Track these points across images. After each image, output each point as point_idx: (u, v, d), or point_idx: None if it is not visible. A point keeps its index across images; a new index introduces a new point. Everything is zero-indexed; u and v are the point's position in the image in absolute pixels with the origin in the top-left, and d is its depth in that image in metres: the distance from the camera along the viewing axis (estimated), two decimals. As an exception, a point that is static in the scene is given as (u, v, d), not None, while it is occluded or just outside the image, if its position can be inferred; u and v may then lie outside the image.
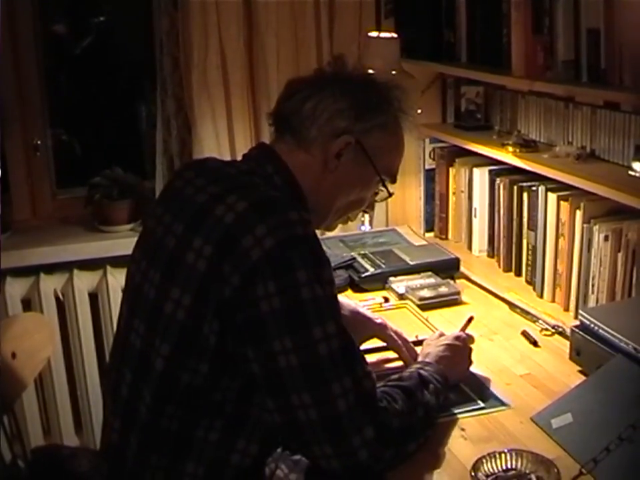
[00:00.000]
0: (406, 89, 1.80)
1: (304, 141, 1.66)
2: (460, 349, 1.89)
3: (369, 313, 2.03)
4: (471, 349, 1.93)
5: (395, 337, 1.99)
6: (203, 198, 1.55)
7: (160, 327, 1.53)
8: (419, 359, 1.84)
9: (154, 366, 1.53)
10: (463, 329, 2.02)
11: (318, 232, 1.61)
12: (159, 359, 1.52)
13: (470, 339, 1.99)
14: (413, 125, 1.79)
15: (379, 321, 2.00)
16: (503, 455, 1.54)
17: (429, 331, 2.17)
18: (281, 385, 1.44)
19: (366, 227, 2.97)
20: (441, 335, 1.97)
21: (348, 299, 2.04)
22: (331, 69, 1.75)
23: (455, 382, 1.82)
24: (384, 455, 1.49)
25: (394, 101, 1.72)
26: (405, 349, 1.98)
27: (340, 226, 2.95)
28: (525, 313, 2.28)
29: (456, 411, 1.77)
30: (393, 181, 1.82)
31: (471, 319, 2.07)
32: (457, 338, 1.92)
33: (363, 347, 1.98)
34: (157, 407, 1.53)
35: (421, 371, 1.70)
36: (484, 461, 1.53)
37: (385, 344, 2.01)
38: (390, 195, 1.82)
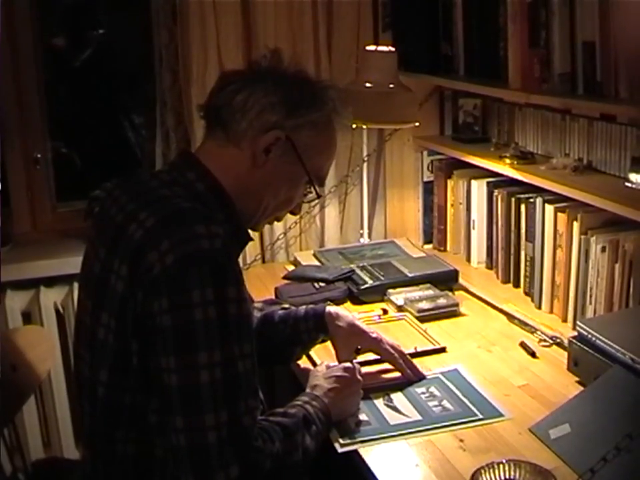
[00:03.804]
0: (341, 90, 1.75)
1: (234, 134, 1.62)
2: (349, 381, 1.82)
3: (364, 327, 2.01)
4: (360, 381, 1.84)
5: (391, 350, 1.98)
6: (120, 217, 1.53)
7: (97, 353, 1.53)
8: (307, 390, 1.78)
9: (97, 394, 1.54)
10: (351, 360, 1.92)
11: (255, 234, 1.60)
12: (100, 387, 1.53)
13: (358, 369, 1.88)
14: (346, 127, 1.74)
15: (374, 335, 1.98)
16: (501, 466, 1.55)
17: (428, 343, 2.18)
18: (164, 403, 1.43)
19: (365, 239, 2.98)
20: (328, 366, 1.88)
21: (346, 311, 2.05)
22: (266, 63, 1.70)
23: (339, 418, 1.76)
24: None
25: (329, 100, 1.67)
26: (402, 361, 1.99)
27: (338, 238, 3.00)
28: (523, 324, 2.29)
29: (454, 422, 1.78)
30: (321, 184, 1.76)
31: (358, 350, 1.98)
32: (346, 370, 1.84)
33: (361, 358, 2.00)
34: (109, 434, 1.53)
35: (307, 407, 1.66)
36: (482, 471, 1.53)
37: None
38: (319, 196, 1.77)
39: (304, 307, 2.04)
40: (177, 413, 1.40)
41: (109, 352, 1.49)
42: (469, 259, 2.84)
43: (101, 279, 1.52)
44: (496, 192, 2.62)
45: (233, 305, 1.43)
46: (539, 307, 2.42)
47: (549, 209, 2.32)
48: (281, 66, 1.68)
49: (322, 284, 2.53)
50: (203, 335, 1.39)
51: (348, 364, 1.87)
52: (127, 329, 1.45)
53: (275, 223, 1.92)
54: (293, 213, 1.80)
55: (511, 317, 2.35)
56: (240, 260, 1.91)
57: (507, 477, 1.54)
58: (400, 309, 2.40)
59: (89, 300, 1.58)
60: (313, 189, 1.72)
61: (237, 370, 1.42)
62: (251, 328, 1.53)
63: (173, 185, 1.58)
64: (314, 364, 2.05)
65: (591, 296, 2.19)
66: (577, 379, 1.95)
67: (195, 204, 1.53)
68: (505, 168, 2.52)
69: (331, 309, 2.00)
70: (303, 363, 2.08)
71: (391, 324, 2.33)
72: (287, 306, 2.09)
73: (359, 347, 1.98)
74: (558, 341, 2.16)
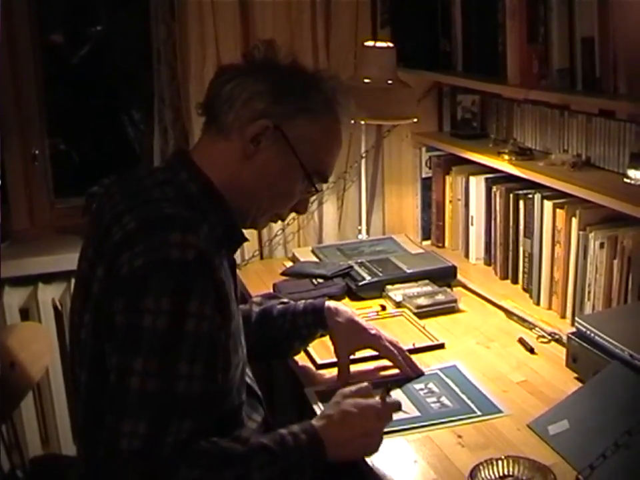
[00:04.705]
0: (345, 84, 1.68)
1: (224, 126, 1.57)
2: (370, 413, 1.58)
3: (364, 323, 1.99)
4: (383, 421, 1.61)
5: (390, 347, 1.97)
6: (108, 218, 1.50)
7: (79, 355, 1.53)
8: (317, 416, 1.58)
9: (80, 395, 1.53)
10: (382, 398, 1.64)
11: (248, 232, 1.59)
12: (82, 388, 1.52)
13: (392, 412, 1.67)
14: (347, 119, 1.67)
15: (373, 332, 1.97)
16: (500, 462, 1.54)
17: (427, 339, 2.18)
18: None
19: (363, 236, 2.98)
20: (365, 391, 1.64)
21: (345, 306, 2.04)
22: (261, 55, 1.63)
23: (340, 455, 1.53)
24: None
25: (327, 90, 1.60)
26: (401, 357, 1.98)
27: (337, 234, 2.99)
28: (521, 321, 2.29)
29: (452, 418, 1.78)
30: (323, 180, 1.69)
31: (389, 390, 1.70)
32: (378, 412, 1.59)
33: (359, 355, 2.00)
34: (95, 434, 1.48)
35: (287, 438, 1.46)
36: (481, 467, 1.53)
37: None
38: (317, 191, 1.69)
39: (303, 301, 2.02)
40: (107, 410, 1.37)
41: (89, 353, 1.48)
42: (467, 255, 2.84)
43: (86, 280, 1.50)
44: (494, 188, 2.62)
45: (192, 320, 1.37)
46: (538, 303, 2.42)
47: (548, 205, 2.32)
48: (276, 57, 1.62)
49: (320, 280, 2.53)
50: (145, 341, 1.35)
51: (384, 408, 1.62)
52: (102, 331, 1.43)
53: (273, 218, 1.89)
54: (298, 212, 1.73)
55: (509, 313, 2.35)
56: (238, 256, 1.90)
57: (506, 473, 1.54)
58: (398, 305, 2.40)
59: (77, 300, 1.56)
60: (310, 184, 1.64)
61: (176, 388, 1.35)
62: (214, 349, 1.43)
63: (166, 185, 1.54)
64: (313, 361, 2.05)
65: (589, 292, 2.19)
66: (575, 375, 1.95)
67: (181, 209, 1.47)
68: (504, 164, 2.52)
69: (330, 303, 1.99)
70: (302, 361, 2.07)
71: (389, 320, 2.33)
72: (285, 300, 2.08)
73: (358, 343, 1.96)
74: (556, 337, 2.16)
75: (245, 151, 1.57)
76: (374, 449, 1.59)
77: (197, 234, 1.42)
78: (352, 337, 1.95)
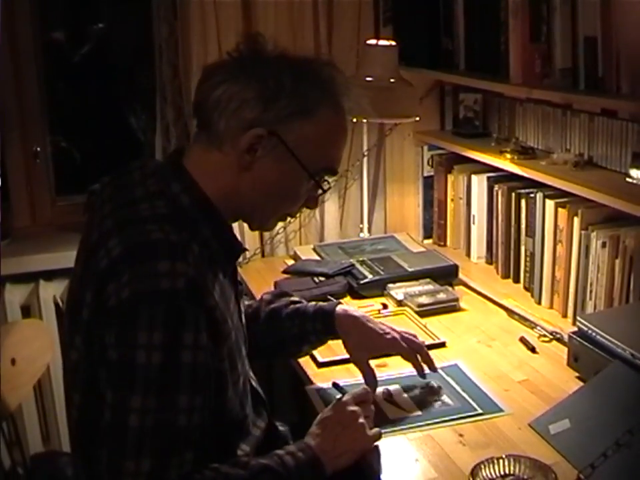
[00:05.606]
0: (339, 68, 1.57)
1: (214, 136, 1.48)
2: (347, 417, 1.61)
3: (378, 328, 1.87)
4: (357, 411, 1.62)
5: (409, 349, 1.88)
6: (96, 236, 1.44)
7: (69, 375, 1.50)
8: (311, 429, 1.59)
9: (72, 416, 1.50)
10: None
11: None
12: (74, 410, 1.49)
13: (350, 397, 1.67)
14: (350, 105, 1.55)
15: (388, 337, 1.86)
16: (501, 461, 1.54)
17: (428, 338, 2.17)
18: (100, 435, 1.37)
19: (365, 234, 2.97)
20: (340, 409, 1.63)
21: (357, 310, 1.96)
22: (248, 51, 1.51)
23: (344, 465, 1.56)
24: None
25: (324, 79, 1.50)
26: (420, 354, 1.90)
27: (338, 232, 2.99)
28: (523, 320, 2.29)
29: (454, 417, 1.78)
30: (332, 174, 1.59)
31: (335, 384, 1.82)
32: (343, 404, 1.64)
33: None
34: (87, 451, 1.46)
35: (286, 458, 1.47)
36: (482, 466, 1.53)
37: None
38: (323, 191, 1.59)
39: (313, 304, 1.93)
40: (103, 447, 1.34)
41: (82, 377, 1.44)
42: (468, 254, 2.83)
43: (77, 301, 1.45)
44: (496, 187, 2.62)
45: (187, 352, 1.33)
46: (539, 302, 2.42)
47: (550, 204, 2.32)
48: (263, 51, 1.51)
49: (322, 278, 2.53)
50: (140, 378, 1.31)
51: (354, 407, 1.63)
52: (94, 357, 1.39)
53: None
54: (309, 207, 1.65)
55: (510, 312, 2.35)
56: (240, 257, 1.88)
57: (507, 472, 1.54)
58: (400, 303, 2.40)
59: (68, 315, 1.52)
60: (316, 184, 1.56)
61: (177, 422, 1.32)
62: (211, 377, 1.40)
63: (157, 197, 1.46)
64: (314, 359, 2.05)
65: (591, 291, 2.19)
66: (576, 374, 1.94)
67: (170, 231, 1.39)
68: (506, 163, 2.52)
69: (340, 310, 1.89)
70: (304, 359, 2.07)
71: (391, 319, 2.32)
72: (296, 299, 1.98)
73: (375, 351, 1.90)
74: (558, 336, 2.16)
75: (241, 163, 1.49)
76: (363, 437, 1.60)
77: (186, 260, 1.36)
78: (367, 345, 1.86)
